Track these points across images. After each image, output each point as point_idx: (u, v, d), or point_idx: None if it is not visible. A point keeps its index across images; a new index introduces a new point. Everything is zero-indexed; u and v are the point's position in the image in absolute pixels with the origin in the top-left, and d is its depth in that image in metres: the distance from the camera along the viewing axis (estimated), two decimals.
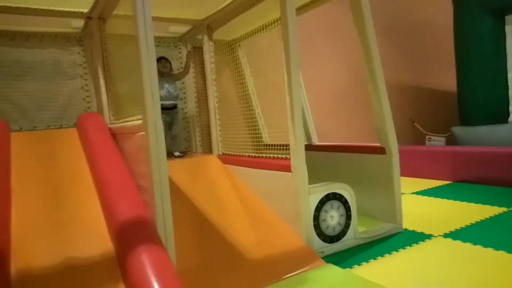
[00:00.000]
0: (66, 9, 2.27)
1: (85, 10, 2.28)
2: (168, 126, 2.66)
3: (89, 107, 2.63)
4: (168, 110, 2.65)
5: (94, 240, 1.41)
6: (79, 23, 2.50)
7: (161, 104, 2.53)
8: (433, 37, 5.04)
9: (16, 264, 1.26)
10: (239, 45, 2.69)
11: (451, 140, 4.16)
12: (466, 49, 4.07)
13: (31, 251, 1.33)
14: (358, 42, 2.17)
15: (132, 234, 1.33)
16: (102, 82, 2.35)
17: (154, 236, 1.35)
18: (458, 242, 1.96)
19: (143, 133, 1.50)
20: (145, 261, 1.21)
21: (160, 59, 2.66)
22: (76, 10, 2.28)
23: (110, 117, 2.28)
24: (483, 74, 3.92)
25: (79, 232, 1.45)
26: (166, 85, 2.64)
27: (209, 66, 2.69)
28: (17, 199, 1.57)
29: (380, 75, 2.15)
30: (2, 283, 1.11)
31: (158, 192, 1.46)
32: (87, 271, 1.28)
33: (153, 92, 1.46)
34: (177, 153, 2.61)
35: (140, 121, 1.54)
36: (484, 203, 2.67)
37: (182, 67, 2.94)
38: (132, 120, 1.73)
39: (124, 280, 1.24)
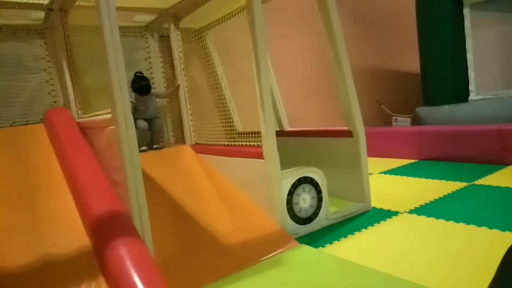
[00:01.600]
0: (25, 1, 2.18)
1: (46, 2, 2.20)
2: (149, 123, 2.67)
3: (55, 102, 2.56)
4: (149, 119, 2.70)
5: (70, 235, 1.42)
6: (40, 14, 2.41)
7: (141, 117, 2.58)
8: (397, 21, 5.18)
9: None
10: (207, 33, 2.68)
11: (416, 120, 4.34)
12: (428, 32, 4.21)
13: (6, 251, 1.32)
14: (324, 26, 2.22)
15: (108, 228, 1.35)
16: (67, 76, 2.30)
17: (131, 228, 1.37)
18: (422, 217, 2.09)
19: (113, 127, 1.50)
20: (123, 253, 1.23)
21: (142, 92, 2.64)
22: (35, 1, 2.20)
23: (77, 111, 2.24)
24: (444, 55, 4.08)
25: (54, 229, 1.45)
26: (146, 107, 2.65)
27: (177, 55, 2.67)
28: None
29: (345, 60, 2.22)
30: None
31: (132, 185, 1.47)
32: (65, 266, 1.29)
33: (121, 85, 1.46)
34: (155, 146, 2.61)
35: (109, 115, 1.54)
36: (447, 179, 2.83)
37: (150, 63, 2.92)
38: (101, 114, 1.72)
39: (103, 273, 1.25)
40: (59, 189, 1.65)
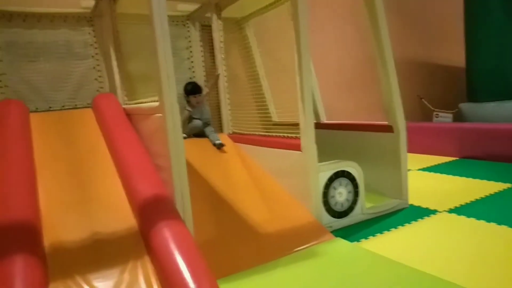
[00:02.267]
0: None
1: None
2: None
3: (101, 87, 2.68)
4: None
5: (118, 216, 1.50)
6: (89, 3, 2.52)
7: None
8: (442, 12, 4.96)
9: (47, 237, 1.36)
10: (248, 23, 2.70)
11: (459, 117, 4.18)
12: (475, 23, 4.02)
13: (60, 226, 1.42)
14: (367, 18, 2.17)
15: (153, 211, 1.42)
16: (114, 63, 2.39)
17: (174, 212, 1.44)
18: (462, 217, 2.03)
19: (160, 114, 1.56)
20: (167, 235, 1.30)
21: (196, 92, 2.69)
22: None
23: (123, 98, 2.33)
24: (492, 49, 3.89)
25: (103, 208, 1.54)
26: (200, 115, 2.71)
27: (218, 45, 2.71)
28: (41, 178, 1.65)
29: (388, 52, 2.17)
30: (39, 255, 1.21)
31: (176, 171, 1.53)
32: (113, 244, 1.37)
33: (169, 73, 1.51)
34: (217, 142, 2.54)
35: (157, 103, 1.60)
36: (489, 179, 2.72)
37: (191, 52, 2.98)
38: (147, 102, 1.79)
39: (149, 252, 1.33)
40: (107, 171, 1.74)
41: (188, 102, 2.71)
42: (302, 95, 1.91)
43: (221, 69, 2.73)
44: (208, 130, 2.68)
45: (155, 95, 1.65)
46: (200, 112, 2.72)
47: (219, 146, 2.51)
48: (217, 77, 2.79)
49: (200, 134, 2.69)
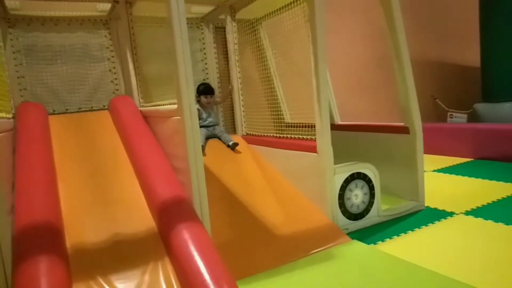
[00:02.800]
0: None
1: None
2: (211, 130, 2.72)
3: (117, 89, 2.71)
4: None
5: (137, 217, 1.52)
6: (105, 6, 2.55)
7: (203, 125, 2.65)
8: (457, 11, 4.90)
9: (69, 239, 1.38)
10: (261, 25, 2.70)
11: (473, 117, 4.12)
12: (491, 22, 3.96)
13: (81, 227, 1.45)
14: (383, 18, 2.16)
15: (172, 212, 1.43)
16: (130, 65, 2.41)
17: (192, 214, 1.45)
18: (479, 219, 2.01)
19: (179, 117, 1.58)
20: (186, 236, 1.31)
21: (208, 93, 2.73)
22: None
23: (139, 100, 2.36)
24: (508, 49, 3.83)
25: (122, 210, 1.56)
26: (208, 116, 2.72)
27: (232, 46, 2.72)
28: (61, 179, 1.68)
29: (405, 53, 2.16)
30: (62, 256, 1.23)
31: (194, 173, 1.55)
32: (134, 245, 1.39)
33: (187, 76, 1.53)
34: (231, 143, 2.55)
35: (175, 106, 1.61)
36: (505, 181, 2.69)
37: (205, 54, 3.00)
38: (165, 104, 1.81)
39: (169, 253, 1.34)
40: (126, 173, 1.77)
41: (198, 101, 2.73)
42: (319, 97, 1.91)
43: (235, 71, 2.74)
44: (218, 130, 2.69)
45: (173, 97, 1.67)
46: (208, 113, 2.73)
47: (233, 146, 2.52)
48: (230, 90, 2.81)
49: (210, 136, 2.69)
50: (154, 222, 1.50)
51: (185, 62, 1.50)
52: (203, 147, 2.51)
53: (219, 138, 2.65)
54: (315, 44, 1.86)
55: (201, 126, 2.68)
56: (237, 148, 2.52)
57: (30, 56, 2.47)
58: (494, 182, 2.71)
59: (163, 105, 1.84)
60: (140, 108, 2.23)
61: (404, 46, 2.15)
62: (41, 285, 1.06)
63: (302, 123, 2.18)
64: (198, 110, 2.68)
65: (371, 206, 2.06)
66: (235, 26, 2.70)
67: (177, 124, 1.60)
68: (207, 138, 2.64)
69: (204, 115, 2.72)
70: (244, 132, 2.76)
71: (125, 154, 1.89)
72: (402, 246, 1.76)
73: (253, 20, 2.65)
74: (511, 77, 3.84)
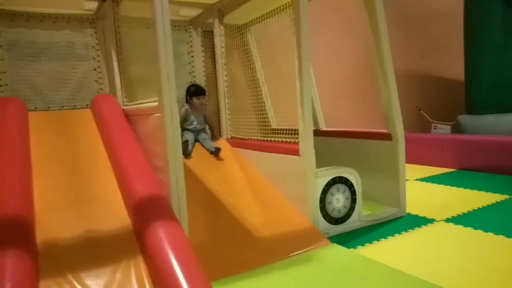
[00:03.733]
0: None
1: None
2: (195, 134, 2.68)
3: (101, 89, 2.68)
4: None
5: (113, 215, 1.49)
6: (92, 5, 2.53)
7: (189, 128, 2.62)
8: (443, 25, 5.01)
9: (41, 234, 1.34)
10: (249, 29, 2.72)
11: (457, 129, 4.19)
12: (475, 36, 4.05)
13: (54, 224, 1.41)
14: (368, 27, 2.19)
15: (148, 210, 1.40)
16: (115, 64, 2.39)
17: (169, 213, 1.43)
18: (459, 226, 2.02)
19: (159, 114, 1.56)
20: (162, 235, 1.28)
21: (200, 93, 2.66)
22: None
23: (123, 99, 2.33)
24: (492, 62, 3.92)
25: (98, 208, 1.52)
26: (195, 119, 2.67)
27: (220, 50, 2.73)
28: (37, 175, 1.64)
29: (388, 60, 2.18)
30: (30, 251, 1.19)
31: (173, 171, 1.53)
32: (107, 243, 1.36)
33: (169, 74, 1.51)
34: (212, 149, 2.51)
35: (156, 103, 1.60)
36: (487, 190, 2.72)
37: (192, 57, 2.99)
38: (147, 102, 1.79)
39: (142, 252, 1.31)
40: (104, 171, 1.73)
41: (190, 104, 2.67)
42: (302, 100, 1.91)
43: (222, 75, 2.74)
44: (201, 138, 2.64)
45: (154, 96, 1.65)
46: (196, 117, 2.68)
47: (216, 153, 2.48)
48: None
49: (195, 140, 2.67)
50: (130, 220, 1.47)
51: (167, 58, 1.49)
52: (190, 149, 2.48)
53: (202, 145, 2.61)
54: (299, 46, 1.87)
55: (186, 129, 2.66)
56: (221, 151, 2.50)
57: (13, 51, 2.43)
58: (475, 191, 2.74)
59: (145, 103, 1.81)
60: (123, 107, 2.21)
61: (388, 56, 2.18)
62: (4, 279, 1.02)
63: (287, 129, 2.18)
64: (187, 111, 2.66)
65: (352, 211, 2.06)
66: (222, 29, 2.71)
67: (158, 121, 1.58)
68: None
69: (192, 118, 2.67)
70: (229, 135, 2.75)
71: (105, 152, 1.86)
72: (381, 251, 1.76)
73: (241, 25, 2.66)
74: (493, 90, 3.92)
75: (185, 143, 2.44)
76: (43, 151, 1.81)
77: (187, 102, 2.70)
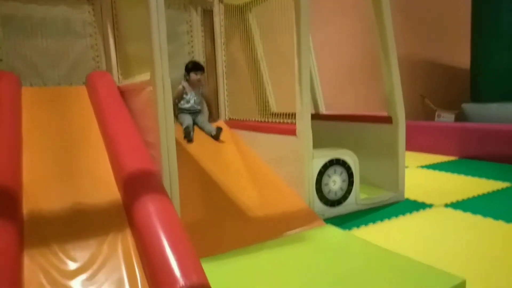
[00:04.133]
0: None
1: None
2: (193, 116, 2.57)
3: (98, 67, 2.63)
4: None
5: (102, 189, 1.46)
6: None
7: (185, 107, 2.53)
8: (449, 11, 4.90)
9: (28, 206, 1.32)
10: (250, 10, 2.65)
11: (461, 117, 4.12)
12: (483, 23, 3.95)
13: (42, 196, 1.38)
14: (372, 11, 2.13)
15: (138, 185, 1.37)
16: (111, 41, 2.35)
17: (160, 188, 1.39)
18: (458, 211, 1.99)
19: (151, 88, 1.52)
20: (151, 209, 1.25)
21: (198, 69, 2.58)
22: None
23: (119, 76, 2.29)
24: (499, 50, 3.83)
25: (88, 182, 1.49)
26: (192, 98, 2.57)
27: (219, 29, 2.67)
28: (28, 149, 1.61)
29: (391, 43, 2.12)
30: (14, 220, 1.17)
31: (164, 146, 1.49)
32: (95, 216, 1.33)
33: (161, 47, 1.47)
34: (213, 132, 2.43)
35: (148, 77, 1.56)
36: (488, 178, 2.67)
37: (191, 37, 2.92)
38: (140, 77, 1.75)
39: (131, 225, 1.29)
40: (96, 146, 1.70)
41: (187, 80, 2.57)
42: (300, 78, 1.86)
43: (221, 55, 2.69)
44: (199, 121, 2.54)
45: (148, 70, 1.61)
46: (193, 95, 2.58)
47: (218, 135, 2.41)
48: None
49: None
50: (120, 194, 1.44)
51: (159, 28, 1.45)
52: (191, 131, 2.39)
53: (201, 129, 2.52)
54: (299, 22, 1.81)
55: (182, 110, 2.58)
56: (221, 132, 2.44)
57: (8, 26, 2.38)
58: (476, 178, 2.70)
59: (138, 78, 1.77)
60: (118, 85, 2.17)
61: (391, 38, 2.12)
62: None
63: (287, 112, 2.12)
64: (184, 88, 2.56)
65: (349, 194, 2.02)
66: (222, 8, 2.65)
67: (150, 95, 1.54)
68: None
69: (188, 96, 2.57)
70: (227, 117, 2.71)
71: (97, 128, 1.83)
72: (377, 233, 1.73)
73: (241, 5, 2.60)
74: (499, 78, 3.84)
75: (188, 128, 2.38)
76: (35, 125, 1.78)
77: (185, 79, 2.62)
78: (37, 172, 1.50)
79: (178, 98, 2.54)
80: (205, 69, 2.94)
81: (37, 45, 2.47)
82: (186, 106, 2.57)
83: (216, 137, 2.42)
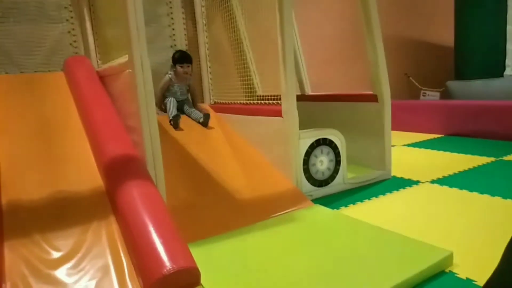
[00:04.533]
0: None
1: None
2: (179, 104, 2.53)
3: (76, 53, 2.55)
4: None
5: (84, 175, 1.42)
6: None
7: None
8: None
9: (6, 195, 1.27)
10: None
11: (446, 95, 4.15)
12: (466, 2, 3.95)
13: (21, 184, 1.34)
14: None
15: (121, 170, 1.34)
16: (88, 25, 2.27)
17: (143, 173, 1.36)
18: (445, 187, 2.00)
19: (130, 70, 1.47)
20: (135, 194, 1.22)
21: (185, 61, 2.46)
22: None
23: (97, 61, 2.22)
24: (481, 26, 3.84)
25: (69, 168, 1.45)
26: (178, 90, 2.50)
27: (200, 9, 2.60)
28: (5, 137, 1.55)
29: (376, 22, 2.09)
30: None
31: (146, 131, 1.45)
32: (77, 204, 1.29)
33: (138, 26, 1.41)
34: (201, 119, 2.37)
35: (126, 59, 1.50)
36: (473, 154, 2.70)
37: (172, 19, 2.83)
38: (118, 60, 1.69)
39: (115, 212, 1.25)
40: (76, 132, 1.65)
41: (174, 72, 2.49)
42: (284, 58, 1.82)
43: (203, 36, 2.63)
44: (186, 109, 2.50)
45: (126, 52, 1.55)
46: (181, 88, 2.51)
47: (206, 121, 2.34)
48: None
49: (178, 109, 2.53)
50: (102, 181, 1.40)
51: (136, 7, 1.38)
52: (178, 118, 2.31)
53: (188, 115, 2.47)
54: (281, 1, 1.76)
55: (167, 97, 2.50)
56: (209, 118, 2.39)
57: None
58: (462, 155, 2.72)
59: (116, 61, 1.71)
60: (97, 69, 2.10)
61: (375, 18, 2.09)
62: None
63: (272, 95, 2.08)
64: (170, 80, 2.48)
65: (337, 173, 2.02)
66: None
67: (129, 77, 1.49)
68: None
69: (175, 87, 2.50)
70: (212, 100, 2.67)
71: (77, 114, 1.77)
72: (365, 211, 1.73)
73: None
74: (483, 55, 3.86)
75: (176, 118, 2.30)
76: (11, 113, 1.72)
77: (171, 70, 2.53)
78: (15, 160, 1.45)
79: (164, 89, 2.48)
80: (188, 49, 2.87)
81: (9, 32, 2.37)
82: (173, 97, 2.50)
83: (204, 123, 2.36)
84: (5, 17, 2.35)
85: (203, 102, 2.74)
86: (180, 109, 2.50)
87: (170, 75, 2.48)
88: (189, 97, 2.63)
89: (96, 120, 1.60)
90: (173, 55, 2.54)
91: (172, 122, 2.30)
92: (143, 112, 1.45)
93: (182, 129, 2.30)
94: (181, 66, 2.45)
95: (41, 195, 1.31)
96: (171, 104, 2.43)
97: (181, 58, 2.46)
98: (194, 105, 2.60)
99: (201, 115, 2.39)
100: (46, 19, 2.48)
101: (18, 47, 2.40)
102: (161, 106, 2.51)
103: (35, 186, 1.34)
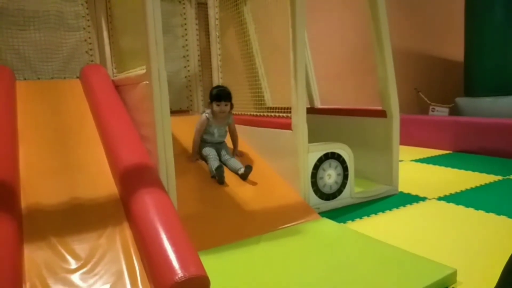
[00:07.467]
0: None
1: None
2: (216, 148, 2.20)
3: (92, 60, 2.62)
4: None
5: (99, 183, 1.46)
6: None
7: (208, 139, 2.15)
8: (443, 5, 4.92)
9: (25, 200, 1.32)
10: (245, 2, 2.64)
11: (455, 111, 4.16)
12: (477, 19, 3.98)
13: (39, 190, 1.38)
14: (367, 5, 2.13)
15: (135, 178, 1.38)
16: (105, 34, 2.33)
17: (156, 181, 1.40)
18: (451, 204, 2.01)
19: (147, 82, 1.52)
20: (148, 202, 1.26)
21: (221, 99, 2.14)
22: None
23: (113, 70, 2.28)
24: (492, 43, 3.86)
25: (85, 176, 1.50)
26: (217, 131, 2.19)
27: (213, 22, 2.66)
28: (24, 143, 1.61)
29: (386, 37, 2.13)
30: (14, 214, 1.17)
31: (161, 141, 1.49)
32: (93, 210, 1.34)
33: (157, 40, 1.46)
34: (241, 170, 2.01)
35: (144, 70, 1.55)
36: (481, 172, 2.71)
37: (185, 30, 2.88)
38: (135, 71, 1.74)
39: (128, 218, 1.29)
40: (92, 140, 1.70)
41: (211, 111, 2.18)
42: (295, 72, 1.87)
43: (216, 48, 2.68)
44: (224, 154, 2.16)
45: (143, 64, 1.60)
46: (219, 129, 2.19)
47: (247, 173, 1.99)
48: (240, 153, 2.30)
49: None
50: (117, 188, 1.44)
51: (155, 22, 1.44)
52: (223, 172, 1.94)
53: (224, 164, 2.09)
54: (294, 17, 1.81)
55: (205, 141, 2.20)
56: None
57: (0, 19, 2.35)
58: (469, 172, 2.73)
59: (133, 72, 1.77)
60: (112, 78, 2.16)
61: (385, 31, 2.13)
62: None
63: (282, 107, 2.10)
64: (208, 119, 2.16)
65: (344, 187, 2.04)
66: (217, 0, 2.63)
67: (146, 89, 1.54)
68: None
69: (213, 129, 2.17)
70: None
71: (93, 122, 1.82)
72: (371, 226, 1.75)
73: None
74: (492, 73, 3.88)
75: (220, 169, 1.94)
76: (30, 119, 1.77)
77: (208, 107, 2.23)
78: (34, 166, 1.50)
79: (201, 131, 2.18)
80: (200, 62, 2.90)
81: (29, 39, 2.45)
82: (210, 139, 2.21)
83: (243, 176, 2.01)
84: (26, 25, 2.43)
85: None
86: (218, 154, 2.16)
87: (207, 115, 2.17)
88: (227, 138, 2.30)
89: (112, 128, 1.65)
90: (211, 91, 2.23)
91: (217, 178, 1.95)
92: (158, 122, 1.49)
93: (190, 135, 2.22)
94: (218, 105, 2.13)
95: (58, 200, 1.35)
96: (211, 156, 2.09)
97: (218, 95, 2.14)
98: (233, 149, 2.29)
99: (241, 165, 2.04)
100: (65, 27, 2.56)
101: (36, 54, 2.48)
102: (201, 152, 2.18)
103: (53, 192, 1.39)
